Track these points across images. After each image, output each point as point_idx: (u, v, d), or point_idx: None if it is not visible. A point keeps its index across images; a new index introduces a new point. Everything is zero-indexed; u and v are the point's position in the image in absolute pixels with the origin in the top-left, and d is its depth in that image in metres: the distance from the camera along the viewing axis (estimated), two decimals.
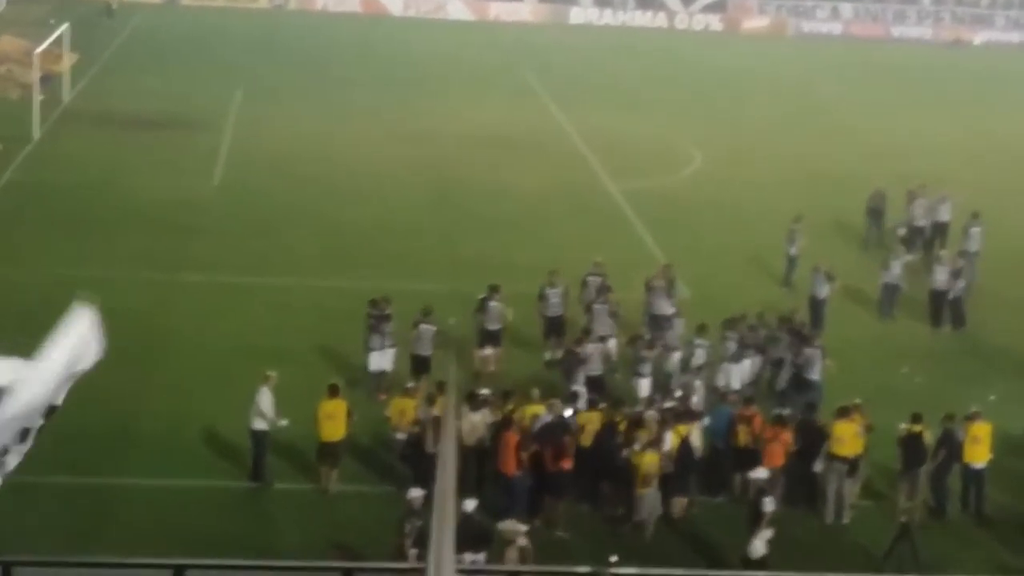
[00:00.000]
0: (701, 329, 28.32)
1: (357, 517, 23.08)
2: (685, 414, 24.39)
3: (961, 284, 33.65)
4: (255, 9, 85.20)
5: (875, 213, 39.46)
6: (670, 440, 23.59)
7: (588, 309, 29.82)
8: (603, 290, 30.27)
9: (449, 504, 9.15)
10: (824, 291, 32.34)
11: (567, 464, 23.20)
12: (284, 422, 23.93)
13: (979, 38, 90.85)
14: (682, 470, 23.52)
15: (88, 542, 21.27)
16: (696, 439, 24.01)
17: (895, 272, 33.93)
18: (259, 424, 23.93)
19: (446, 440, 9.24)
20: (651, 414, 24.29)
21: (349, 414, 23.94)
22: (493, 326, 29.21)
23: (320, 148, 48.35)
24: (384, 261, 35.90)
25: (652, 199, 43.56)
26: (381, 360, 27.88)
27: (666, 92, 63.44)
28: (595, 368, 27.51)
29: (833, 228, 40.00)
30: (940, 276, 33.65)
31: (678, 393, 25.85)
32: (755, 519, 21.51)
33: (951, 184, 42.10)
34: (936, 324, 33.55)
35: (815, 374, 27.67)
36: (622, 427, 23.96)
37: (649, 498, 23.16)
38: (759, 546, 21.34)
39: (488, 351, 29.21)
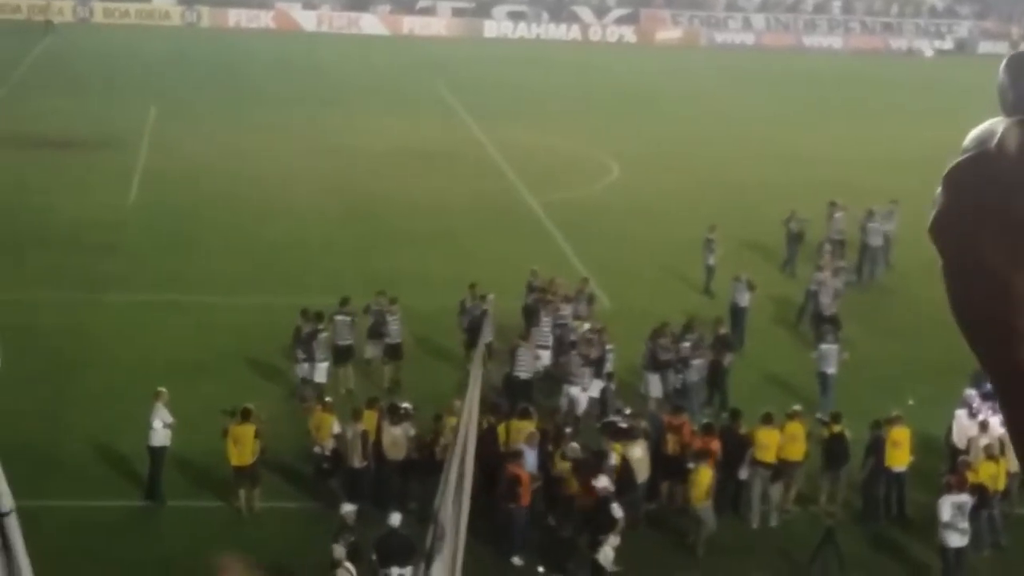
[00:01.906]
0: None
1: (279, 534, 22.92)
2: (627, 431, 24.25)
3: (839, 285, 34.07)
4: (168, 26, 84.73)
5: (794, 237, 38.99)
6: (613, 457, 23.47)
7: (529, 313, 30.30)
8: (544, 300, 30.53)
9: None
10: (745, 299, 32.51)
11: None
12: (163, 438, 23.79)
13: (894, 44, 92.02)
14: (622, 488, 23.09)
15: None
16: (638, 455, 23.84)
17: (818, 280, 33.95)
18: (155, 441, 23.77)
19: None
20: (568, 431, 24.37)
21: (257, 437, 23.58)
22: (393, 341, 29.43)
23: (235, 164, 48.07)
24: (299, 276, 35.69)
25: (571, 210, 43.65)
26: (312, 372, 27.90)
27: (582, 104, 63.72)
28: (524, 370, 27.64)
29: (750, 236, 40.24)
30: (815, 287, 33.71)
31: (628, 410, 25.78)
32: (606, 526, 21.58)
33: (863, 191, 42.49)
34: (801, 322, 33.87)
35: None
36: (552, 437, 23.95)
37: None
38: (608, 552, 21.49)
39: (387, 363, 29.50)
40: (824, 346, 29.33)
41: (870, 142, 56.96)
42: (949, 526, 22.41)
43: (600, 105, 63.64)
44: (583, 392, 27.55)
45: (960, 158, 1.31)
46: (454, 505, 11.62)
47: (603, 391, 27.46)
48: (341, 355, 28.56)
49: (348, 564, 19.85)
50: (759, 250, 39.33)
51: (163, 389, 24.29)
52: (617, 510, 21.59)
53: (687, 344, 28.61)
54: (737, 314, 32.37)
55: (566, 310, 30.19)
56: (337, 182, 46.22)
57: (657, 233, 41.24)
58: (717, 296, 34.51)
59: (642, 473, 23.84)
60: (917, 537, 23.97)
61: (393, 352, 29.36)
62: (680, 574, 22.44)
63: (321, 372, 27.99)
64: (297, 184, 45.86)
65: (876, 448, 24.41)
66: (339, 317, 28.83)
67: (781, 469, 24.38)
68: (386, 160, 49.64)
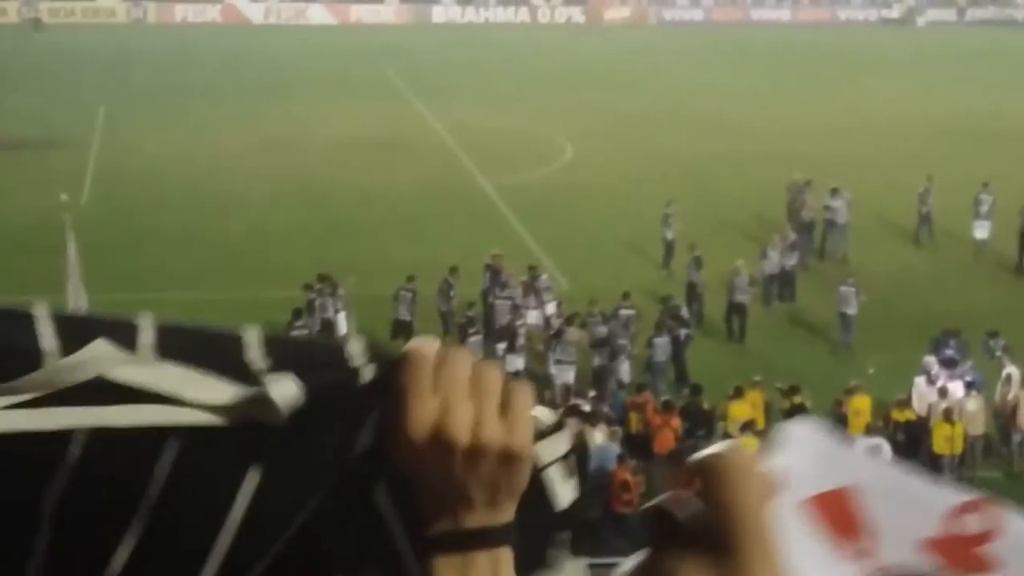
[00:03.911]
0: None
1: None
2: (591, 415, 24.22)
3: (795, 258, 34.18)
4: (114, 24, 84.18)
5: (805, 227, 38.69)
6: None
7: (486, 301, 30.54)
8: (503, 284, 30.97)
9: None
10: (699, 276, 32.61)
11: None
12: None
13: (842, 16, 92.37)
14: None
15: None
16: (599, 440, 23.81)
17: (774, 261, 34.02)
18: None
19: None
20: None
21: None
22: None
23: (186, 160, 47.78)
24: (257, 271, 35.53)
25: (526, 193, 43.60)
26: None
27: (533, 86, 63.64)
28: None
29: (705, 211, 40.27)
30: (772, 259, 33.89)
31: (591, 393, 25.81)
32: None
33: (816, 161, 42.64)
34: (766, 303, 33.75)
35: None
36: None
37: None
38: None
39: None
40: (844, 288, 31.10)
41: (822, 113, 57.12)
42: None
43: (552, 86, 63.58)
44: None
45: None
46: None
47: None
48: (401, 329, 29.44)
49: None
50: (717, 224, 39.39)
51: None
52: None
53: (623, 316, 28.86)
54: (692, 289, 32.43)
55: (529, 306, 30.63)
56: (291, 174, 46.02)
57: (613, 211, 41.23)
58: (676, 272, 34.52)
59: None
60: None
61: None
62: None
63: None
64: (251, 177, 45.63)
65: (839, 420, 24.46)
66: (403, 292, 30.27)
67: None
68: (339, 150, 49.45)
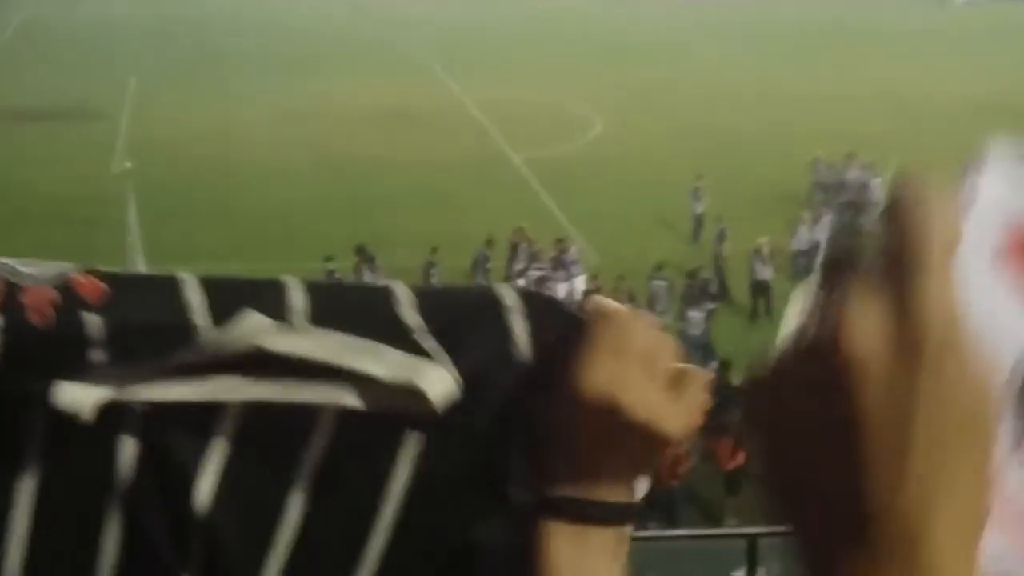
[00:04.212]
0: None
1: None
2: None
3: (825, 232, 34.14)
4: None
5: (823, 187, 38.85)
6: None
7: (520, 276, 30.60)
8: (533, 256, 31.26)
9: None
10: (723, 250, 32.71)
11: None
12: None
13: None
14: None
15: None
16: None
17: (803, 238, 33.96)
18: None
19: None
20: None
21: None
22: None
23: (215, 131, 47.89)
24: (285, 242, 35.65)
25: (555, 166, 43.58)
26: None
27: (562, 59, 63.49)
28: None
29: (734, 186, 40.19)
30: (801, 235, 33.81)
31: None
32: None
33: (845, 135, 42.48)
34: (794, 278, 33.57)
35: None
36: None
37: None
38: None
39: None
40: None
41: (854, 88, 56.83)
42: None
43: (581, 60, 63.43)
44: None
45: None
46: None
47: None
48: None
49: None
50: (747, 198, 39.32)
51: None
52: None
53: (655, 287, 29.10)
54: (717, 264, 32.44)
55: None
56: (317, 146, 46.08)
57: (643, 185, 41.19)
58: (705, 246, 34.51)
59: None
60: None
61: None
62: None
63: None
64: (279, 149, 45.70)
65: None
66: (430, 264, 30.88)
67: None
68: (366, 122, 49.47)
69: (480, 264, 31.47)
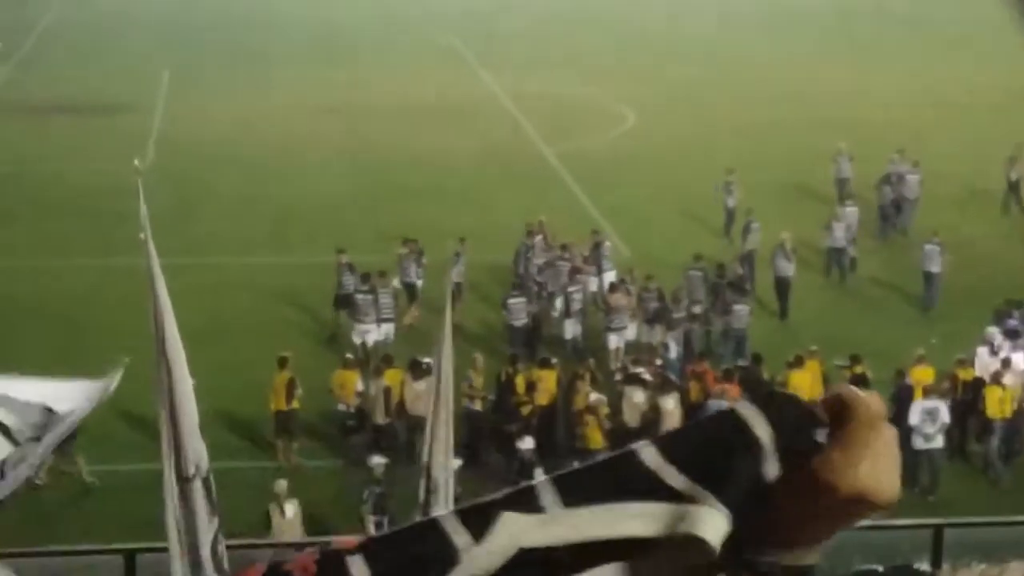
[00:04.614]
0: None
1: (304, 490, 22.94)
2: (664, 383, 24.34)
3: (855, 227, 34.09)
4: None
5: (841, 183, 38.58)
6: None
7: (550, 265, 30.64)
8: (563, 246, 31.17)
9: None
10: (755, 243, 32.60)
11: None
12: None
13: None
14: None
15: (36, 533, 20.99)
16: (669, 406, 23.85)
17: (838, 235, 33.69)
18: None
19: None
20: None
21: (291, 386, 24.02)
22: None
23: (246, 124, 47.90)
24: (314, 234, 35.60)
25: (587, 159, 43.45)
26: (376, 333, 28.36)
27: (594, 52, 63.24)
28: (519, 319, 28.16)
29: (766, 179, 39.95)
30: (838, 233, 33.52)
31: (658, 361, 25.87)
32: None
33: (876, 127, 42.23)
34: (827, 274, 33.54)
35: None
36: (584, 382, 24.02)
37: None
38: None
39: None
40: (928, 246, 31.35)
41: (890, 77, 56.28)
42: (915, 430, 23.19)
43: (614, 53, 63.17)
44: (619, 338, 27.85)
45: None
46: (445, 456, 11.90)
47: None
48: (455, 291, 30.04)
49: (372, 517, 20.04)
50: (777, 192, 39.11)
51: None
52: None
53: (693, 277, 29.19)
54: (750, 259, 32.27)
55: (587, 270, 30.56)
56: (350, 139, 46.08)
57: (674, 179, 41.03)
58: (736, 240, 34.34)
59: (674, 424, 23.78)
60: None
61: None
62: None
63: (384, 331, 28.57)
64: (309, 142, 45.70)
65: (901, 396, 24.20)
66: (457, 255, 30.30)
67: None
68: (399, 115, 49.39)
69: (522, 254, 31.31)
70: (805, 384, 24.19)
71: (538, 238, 31.55)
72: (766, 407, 1.53)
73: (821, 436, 1.51)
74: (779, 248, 31.25)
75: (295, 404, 24.12)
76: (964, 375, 25.05)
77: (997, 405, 24.35)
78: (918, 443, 23.33)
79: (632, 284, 29.12)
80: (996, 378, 24.66)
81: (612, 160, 43.58)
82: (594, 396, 23.65)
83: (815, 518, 1.49)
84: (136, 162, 12.10)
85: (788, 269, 31.25)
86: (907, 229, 36.32)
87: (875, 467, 1.47)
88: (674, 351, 27.15)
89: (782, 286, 31.21)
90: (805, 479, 1.48)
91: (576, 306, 28.93)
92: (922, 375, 24.54)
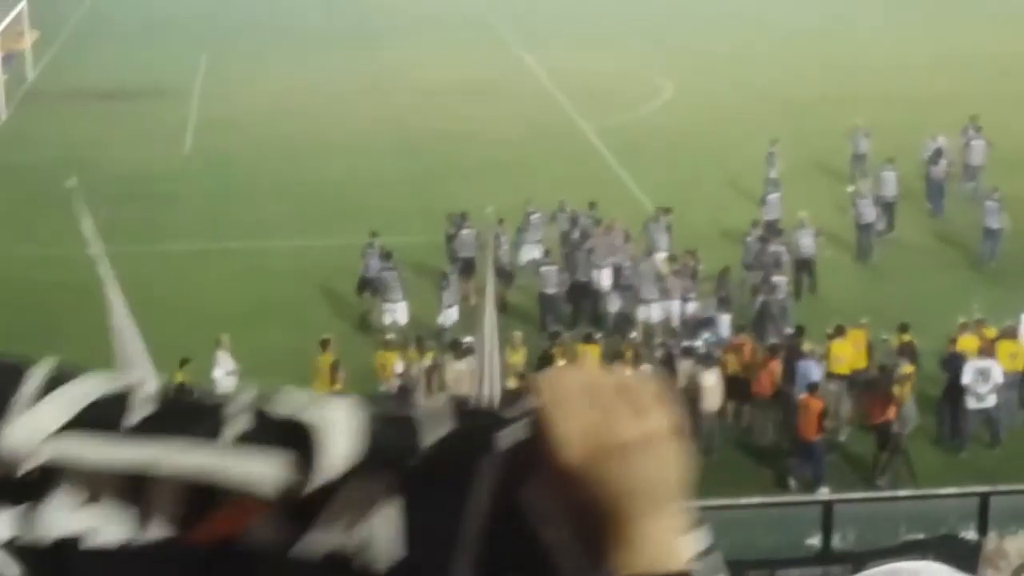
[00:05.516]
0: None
1: None
2: (704, 357, 24.36)
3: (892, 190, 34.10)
4: None
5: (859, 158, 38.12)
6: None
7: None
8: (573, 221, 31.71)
9: None
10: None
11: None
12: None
13: None
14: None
15: None
16: (711, 382, 23.87)
17: (866, 211, 33.25)
18: (219, 388, 24.01)
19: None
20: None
21: (334, 368, 24.12)
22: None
23: (286, 107, 47.95)
24: (357, 216, 35.60)
25: (625, 134, 43.35)
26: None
27: (630, 26, 62.92)
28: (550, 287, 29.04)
29: (805, 152, 39.72)
30: (863, 210, 33.14)
31: (705, 335, 25.84)
32: None
33: (921, 100, 41.92)
34: (864, 256, 32.97)
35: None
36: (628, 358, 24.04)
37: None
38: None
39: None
40: (989, 202, 31.68)
41: (941, 47, 55.47)
42: (968, 390, 23.37)
43: (650, 26, 62.83)
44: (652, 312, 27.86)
45: None
46: None
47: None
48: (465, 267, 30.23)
49: None
50: (816, 165, 38.95)
51: (225, 336, 24.42)
52: None
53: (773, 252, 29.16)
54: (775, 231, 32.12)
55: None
56: (388, 119, 46.06)
57: (713, 152, 40.89)
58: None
59: (715, 400, 23.78)
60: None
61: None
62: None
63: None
64: (350, 123, 45.75)
65: (953, 365, 24.11)
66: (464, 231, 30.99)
67: (854, 380, 24.38)
68: (437, 94, 49.33)
69: (568, 233, 31.28)
70: (846, 354, 24.18)
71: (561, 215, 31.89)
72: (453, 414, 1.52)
73: (503, 441, 1.48)
74: (800, 227, 30.82)
75: (338, 386, 24.22)
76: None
77: (1008, 359, 24.25)
78: (971, 403, 23.41)
79: (689, 260, 29.00)
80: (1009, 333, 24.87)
81: (650, 133, 43.41)
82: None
83: (588, 514, 1.44)
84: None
85: (809, 248, 30.67)
86: (975, 194, 35.33)
87: (566, 430, 1.43)
88: (725, 328, 27.02)
89: (803, 266, 30.63)
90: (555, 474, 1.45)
91: (623, 280, 28.97)
92: (967, 343, 24.44)
